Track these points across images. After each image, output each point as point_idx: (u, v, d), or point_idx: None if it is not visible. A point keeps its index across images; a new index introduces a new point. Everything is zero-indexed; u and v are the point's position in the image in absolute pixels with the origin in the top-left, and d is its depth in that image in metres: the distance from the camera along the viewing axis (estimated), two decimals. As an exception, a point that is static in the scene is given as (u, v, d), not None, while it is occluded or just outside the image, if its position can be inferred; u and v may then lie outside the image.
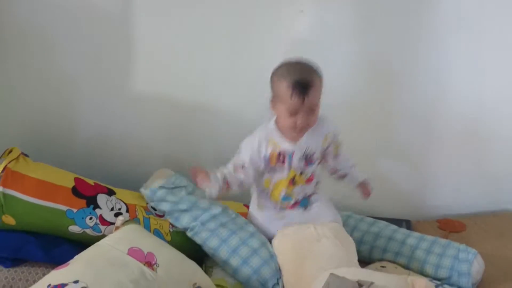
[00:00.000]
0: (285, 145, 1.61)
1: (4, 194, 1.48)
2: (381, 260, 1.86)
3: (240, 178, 1.62)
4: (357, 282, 1.38)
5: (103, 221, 1.60)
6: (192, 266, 1.53)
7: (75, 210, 1.57)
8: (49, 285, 1.29)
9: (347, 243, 1.67)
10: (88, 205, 1.59)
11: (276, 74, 1.56)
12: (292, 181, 1.68)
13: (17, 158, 1.55)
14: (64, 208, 1.56)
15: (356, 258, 1.66)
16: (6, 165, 1.50)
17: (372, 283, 1.37)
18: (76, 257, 1.41)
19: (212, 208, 1.73)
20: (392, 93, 2.11)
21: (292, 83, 1.50)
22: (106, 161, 2.01)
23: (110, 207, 1.63)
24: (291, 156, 1.63)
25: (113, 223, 1.61)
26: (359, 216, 2.02)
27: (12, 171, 1.51)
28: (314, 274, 1.52)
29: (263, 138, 1.61)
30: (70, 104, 1.95)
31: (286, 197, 1.70)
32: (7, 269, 1.47)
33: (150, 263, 1.43)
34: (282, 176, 1.66)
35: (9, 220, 1.50)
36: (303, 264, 1.59)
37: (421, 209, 2.29)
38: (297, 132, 1.58)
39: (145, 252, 1.46)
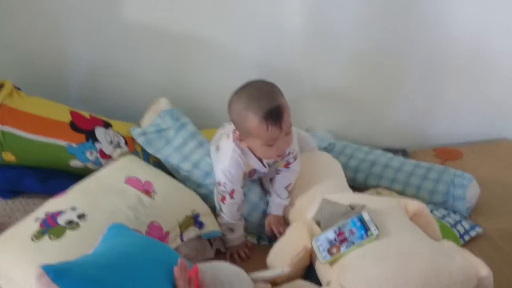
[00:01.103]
0: (258, 166, 1.56)
1: (3, 132, 1.51)
2: (376, 187, 1.90)
3: (237, 206, 1.58)
4: (349, 205, 1.42)
5: (103, 154, 1.64)
6: (190, 194, 1.58)
7: (75, 145, 1.60)
8: (47, 212, 1.34)
9: (334, 168, 1.70)
10: (87, 139, 1.62)
11: (239, 109, 1.40)
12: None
13: (11, 93, 1.55)
14: (64, 143, 1.58)
15: (345, 181, 1.70)
16: (2, 102, 1.50)
17: (364, 205, 1.41)
18: (73, 186, 1.46)
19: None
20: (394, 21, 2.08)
21: (265, 115, 1.36)
22: (100, 94, 2.01)
23: (109, 140, 1.66)
24: (261, 173, 1.62)
25: (114, 156, 1.65)
26: (356, 145, 2.04)
27: (9, 108, 1.52)
28: (302, 204, 1.57)
29: (241, 162, 1.52)
30: (62, 35, 1.92)
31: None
32: (5, 200, 1.52)
33: (147, 191, 1.47)
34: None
35: (9, 157, 1.53)
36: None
37: (418, 139, 2.31)
38: (277, 158, 1.53)
39: (143, 181, 1.50)
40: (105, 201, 1.39)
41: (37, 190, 1.54)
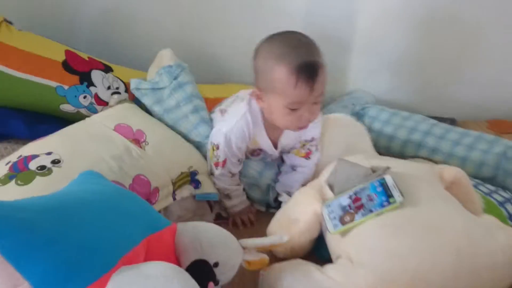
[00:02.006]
0: (266, 146, 1.34)
1: None
2: (414, 157, 1.64)
3: (230, 176, 1.35)
4: (370, 168, 1.18)
5: (99, 100, 1.46)
6: (188, 149, 1.38)
7: (66, 87, 1.42)
8: (20, 156, 1.17)
9: (358, 130, 1.46)
10: (81, 82, 1.44)
11: (269, 55, 1.17)
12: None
13: (-1, 25, 1.39)
14: (53, 84, 1.41)
15: (371, 145, 1.45)
16: (-14, 35, 1.34)
17: (387, 167, 1.16)
18: (59, 131, 1.28)
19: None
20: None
21: (297, 67, 1.13)
22: (111, 40, 1.85)
23: (107, 85, 1.47)
24: (267, 154, 1.38)
25: (111, 103, 1.47)
26: (393, 109, 1.77)
27: (-6, 42, 1.36)
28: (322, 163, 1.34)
29: (247, 133, 1.28)
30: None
31: None
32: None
33: (138, 140, 1.29)
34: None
35: (-7, 95, 1.37)
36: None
37: (470, 109, 2.00)
38: (297, 129, 1.27)
39: (134, 129, 1.32)
40: (86, 147, 1.21)
41: (24, 134, 1.38)
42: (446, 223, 1.03)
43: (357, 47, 1.92)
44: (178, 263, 0.96)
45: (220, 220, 1.37)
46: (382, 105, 1.84)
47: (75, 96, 1.43)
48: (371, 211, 1.08)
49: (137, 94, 1.47)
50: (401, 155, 1.65)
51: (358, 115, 1.76)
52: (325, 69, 1.18)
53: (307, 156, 1.35)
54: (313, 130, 1.32)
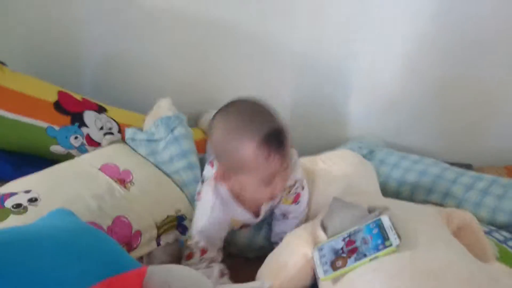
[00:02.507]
0: (248, 220, 1.22)
1: None
2: (425, 202, 1.53)
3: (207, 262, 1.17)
4: (368, 208, 1.09)
5: (91, 140, 1.41)
6: (177, 192, 1.31)
7: (57, 128, 1.39)
8: (1, 194, 1.12)
9: (364, 169, 1.37)
10: (72, 123, 1.40)
11: (227, 135, 1.03)
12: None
13: (-8, 66, 1.38)
14: (44, 124, 1.38)
15: (377, 185, 1.36)
16: (-23, 75, 1.33)
17: (386, 208, 1.07)
18: (44, 170, 1.24)
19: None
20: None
21: (263, 139, 1.00)
22: (114, 83, 1.82)
23: (99, 126, 1.44)
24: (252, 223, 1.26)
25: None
26: (403, 153, 1.68)
27: (-16, 82, 1.34)
28: (320, 203, 1.24)
29: (224, 222, 1.17)
30: (76, 18, 1.75)
31: None
32: None
33: (123, 180, 1.23)
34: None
35: (-19, 136, 1.34)
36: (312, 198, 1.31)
37: (486, 154, 1.89)
38: (270, 200, 1.17)
39: (121, 169, 1.26)
40: (67, 186, 1.16)
41: (9, 176, 1.31)
42: (447, 270, 0.92)
43: (360, 89, 1.85)
44: (146, 310, 0.88)
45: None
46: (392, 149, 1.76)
47: (66, 137, 1.39)
48: (365, 255, 0.98)
49: (132, 144, 1.42)
50: (411, 201, 1.54)
51: (365, 159, 1.67)
52: (289, 132, 1.06)
53: (295, 201, 1.22)
54: (291, 174, 1.17)
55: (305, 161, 1.39)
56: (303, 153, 1.38)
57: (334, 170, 1.34)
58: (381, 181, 1.56)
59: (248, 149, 1.01)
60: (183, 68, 1.82)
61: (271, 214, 1.28)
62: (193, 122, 1.73)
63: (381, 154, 1.69)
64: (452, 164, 1.68)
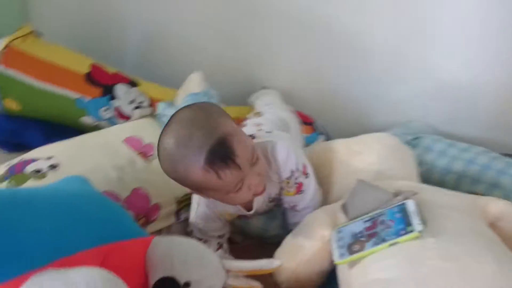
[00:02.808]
0: (240, 212, 1.13)
1: (4, 75, 1.33)
2: (470, 193, 1.41)
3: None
4: (394, 192, 1.00)
5: (120, 113, 1.41)
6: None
7: (87, 99, 1.39)
8: (21, 159, 1.13)
9: (401, 154, 1.27)
10: (103, 95, 1.40)
11: (172, 163, 0.95)
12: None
13: (25, 35, 1.39)
14: (75, 95, 1.38)
15: (414, 172, 1.26)
16: (8, 43, 1.34)
17: (414, 192, 0.98)
18: (68, 139, 1.24)
19: None
20: None
21: (207, 160, 0.91)
22: (155, 61, 1.81)
23: (130, 99, 1.42)
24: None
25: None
26: (450, 140, 1.57)
27: (15, 50, 1.35)
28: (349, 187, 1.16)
29: (211, 215, 1.11)
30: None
31: None
32: (9, 153, 1.33)
33: (145, 153, 1.20)
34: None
35: (12, 105, 1.36)
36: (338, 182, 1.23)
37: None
38: (257, 195, 1.03)
39: (144, 142, 1.24)
40: (88, 155, 1.16)
41: (40, 145, 1.33)
42: (471, 260, 0.83)
43: (410, 73, 1.75)
44: (147, 280, 0.85)
45: (231, 244, 1.23)
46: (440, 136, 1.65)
47: (96, 108, 1.39)
48: (384, 240, 0.91)
49: (162, 119, 1.40)
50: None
51: (410, 145, 1.57)
52: (235, 130, 0.95)
53: (299, 191, 1.11)
54: (284, 167, 1.07)
55: (337, 143, 1.32)
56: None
57: (366, 153, 1.26)
58: (425, 169, 1.46)
59: (196, 175, 0.93)
60: (221, 44, 1.78)
61: (280, 203, 1.19)
62: (231, 99, 1.69)
63: (427, 140, 1.58)
64: (506, 155, 1.55)
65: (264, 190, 1.01)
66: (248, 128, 1.20)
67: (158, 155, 0.97)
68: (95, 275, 0.65)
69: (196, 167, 0.91)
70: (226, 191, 0.96)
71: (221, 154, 0.91)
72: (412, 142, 1.59)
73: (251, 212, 1.11)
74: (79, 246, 0.75)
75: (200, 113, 0.95)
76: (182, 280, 0.83)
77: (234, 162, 0.92)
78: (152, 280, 0.83)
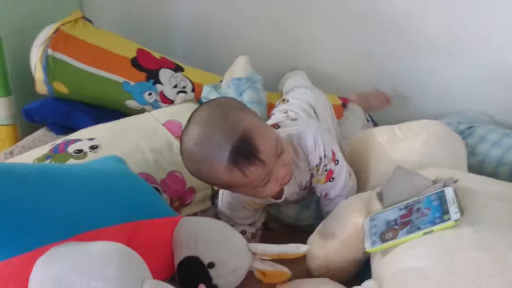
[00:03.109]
0: (268, 201, 1.10)
1: (54, 58, 1.37)
2: (525, 186, 1.33)
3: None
4: (434, 179, 0.96)
5: (164, 98, 1.42)
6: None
7: (132, 83, 1.41)
8: (65, 139, 1.17)
9: (450, 143, 1.21)
10: (148, 79, 1.42)
11: (197, 164, 0.94)
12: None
13: (75, 21, 1.43)
14: (120, 79, 1.41)
15: (464, 161, 1.20)
16: (59, 27, 1.39)
17: (453, 179, 0.93)
18: (111, 122, 1.27)
19: None
20: None
21: (231, 160, 0.89)
22: (203, 48, 1.83)
23: (174, 84, 1.44)
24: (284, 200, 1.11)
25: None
26: (506, 130, 1.48)
27: (65, 34, 1.39)
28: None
29: (236, 205, 1.09)
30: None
31: None
32: (57, 136, 1.38)
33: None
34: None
35: (61, 87, 1.41)
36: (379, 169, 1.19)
37: None
38: (283, 185, 1.01)
39: (183, 127, 1.23)
40: (128, 138, 1.18)
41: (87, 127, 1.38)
42: (509, 254, 0.77)
43: (466, 58, 1.66)
44: (173, 258, 0.86)
45: (267, 231, 1.22)
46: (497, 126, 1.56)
47: (140, 92, 1.41)
48: (419, 228, 0.87)
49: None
50: (509, 184, 1.36)
51: (463, 135, 1.50)
52: (257, 124, 0.93)
53: (329, 178, 1.08)
54: (312, 154, 1.04)
55: (381, 129, 1.27)
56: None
57: (412, 141, 1.21)
58: (478, 159, 1.40)
59: (220, 174, 0.91)
60: (266, 32, 1.76)
61: (312, 191, 1.16)
62: (274, 85, 1.68)
63: (483, 130, 1.50)
64: None
65: (291, 178, 0.99)
66: (276, 115, 1.19)
67: (181, 155, 0.96)
68: (112, 248, 0.65)
69: (220, 167, 0.90)
70: (252, 187, 0.95)
71: (244, 151, 0.89)
72: (466, 132, 1.52)
73: (280, 201, 1.08)
74: (104, 222, 0.77)
75: (219, 110, 0.93)
76: (206, 260, 0.83)
77: (258, 159, 0.90)
78: (177, 259, 0.84)
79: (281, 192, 1.06)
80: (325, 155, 1.04)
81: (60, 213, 0.72)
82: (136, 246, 0.78)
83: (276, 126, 1.08)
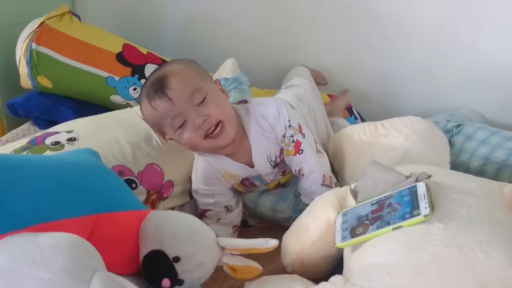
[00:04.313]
0: (242, 170, 1.14)
1: (38, 52, 1.37)
2: (512, 184, 1.31)
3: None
4: (409, 174, 0.94)
5: (149, 93, 1.41)
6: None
7: (117, 78, 1.41)
8: (44, 132, 1.17)
9: (432, 139, 1.19)
10: (132, 74, 1.42)
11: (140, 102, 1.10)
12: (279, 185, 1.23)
13: (61, 15, 1.43)
14: (104, 74, 1.41)
15: (446, 158, 1.18)
16: (43, 21, 1.39)
17: (426, 174, 0.92)
18: (92, 116, 1.26)
19: None
20: None
21: (145, 92, 1.05)
22: (194, 46, 1.82)
23: (159, 79, 1.42)
24: (258, 177, 1.17)
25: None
26: (494, 128, 1.46)
27: (49, 28, 1.39)
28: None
29: (210, 172, 1.14)
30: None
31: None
32: (41, 130, 1.37)
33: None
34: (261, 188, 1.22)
35: (45, 82, 1.41)
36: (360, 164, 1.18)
37: None
38: (213, 139, 1.06)
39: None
40: (107, 131, 1.17)
41: (71, 121, 1.37)
42: (477, 251, 0.76)
43: (458, 56, 1.64)
44: (138, 251, 0.85)
45: (246, 228, 1.21)
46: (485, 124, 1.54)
47: (125, 87, 1.41)
48: (388, 223, 0.85)
49: None
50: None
51: (452, 133, 1.48)
52: (182, 71, 1.05)
53: (298, 150, 1.12)
54: (275, 123, 1.10)
55: (364, 126, 1.26)
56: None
57: (393, 137, 1.20)
58: (465, 158, 1.39)
59: (142, 108, 1.08)
60: (259, 28, 1.75)
61: (295, 181, 1.19)
62: (268, 82, 1.67)
63: (470, 128, 1.48)
64: None
65: (221, 133, 1.05)
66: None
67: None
68: (63, 239, 0.64)
69: (142, 102, 1.06)
70: (170, 126, 1.04)
71: (156, 86, 1.02)
72: (455, 130, 1.50)
73: (255, 169, 1.12)
74: (65, 213, 0.76)
75: (167, 62, 1.10)
76: (171, 254, 0.82)
77: (164, 94, 1.01)
78: (142, 252, 0.83)
79: (250, 161, 1.12)
80: (290, 125, 1.09)
81: (17, 202, 0.71)
82: (99, 238, 0.78)
83: (244, 101, 1.15)
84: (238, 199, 1.19)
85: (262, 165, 1.13)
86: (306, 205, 1.06)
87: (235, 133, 1.07)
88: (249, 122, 1.10)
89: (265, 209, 1.20)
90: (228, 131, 1.05)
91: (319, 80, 1.69)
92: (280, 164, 1.16)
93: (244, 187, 1.19)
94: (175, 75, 1.02)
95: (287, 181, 1.22)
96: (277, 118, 1.09)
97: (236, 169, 1.13)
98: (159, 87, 1.02)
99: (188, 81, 1.03)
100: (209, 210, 1.14)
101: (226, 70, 1.50)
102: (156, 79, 1.03)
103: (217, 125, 1.04)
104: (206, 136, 1.04)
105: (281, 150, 1.13)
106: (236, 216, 1.16)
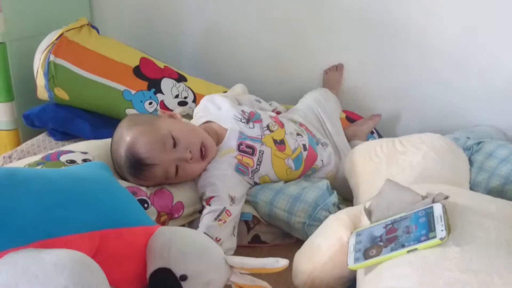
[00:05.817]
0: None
1: (55, 64, 1.38)
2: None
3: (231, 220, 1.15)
4: (425, 195, 0.91)
5: (164, 107, 1.42)
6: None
7: (133, 92, 1.41)
8: (58, 150, 1.17)
9: (452, 157, 1.16)
10: (149, 88, 1.41)
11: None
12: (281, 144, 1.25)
13: (79, 27, 1.44)
14: (121, 88, 1.41)
15: (466, 177, 1.15)
16: (62, 33, 1.39)
17: (444, 195, 0.89)
18: (105, 139, 1.26)
19: None
20: None
21: (131, 175, 1.12)
22: (211, 59, 1.83)
23: (175, 93, 1.43)
24: (246, 137, 1.22)
25: (176, 112, 1.42)
26: (519, 146, 1.42)
27: (68, 40, 1.40)
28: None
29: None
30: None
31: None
32: (56, 142, 1.38)
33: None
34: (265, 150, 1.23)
35: (61, 94, 1.41)
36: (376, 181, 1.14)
37: None
38: (207, 157, 1.16)
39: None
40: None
41: (87, 135, 1.38)
42: (494, 277, 0.72)
43: (478, 72, 1.61)
44: (145, 268, 0.83)
45: (257, 243, 1.19)
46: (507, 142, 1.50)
47: (141, 101, 1.41)
48: (403, 246, 0.82)
49: None
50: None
51: (472, 150, 1.44)
52: (138, 134, 1.08)
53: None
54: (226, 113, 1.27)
55: (381, 142, 1.23)
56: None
57: (411, 154, 1.16)
58: (485, 177, 1.35)
59: (137, 183, 1.12)
60: (276, 42, 1.75)
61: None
62: (285, 98, 1.66)
63: (491, 146, 1.44)
64: None
65: (208, 152, 1.14)
66: None
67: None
68: (65, 256, 0.63)
69: (131, 181, 1.11)
70: (170, 176, 1.11)
71: (133, 167, 1.08)
72: (475, 147, 1.46)
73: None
74: (71, 228, 0.75)
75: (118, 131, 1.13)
76: (178, 272, 0.80)
77: (145, 165, 1.07)
78: (149, 269, 0.82)
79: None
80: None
81: (23, 217, 0.71)
82: (105, 255, 0.77)
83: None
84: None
85: (233, 124, 1.21)
86: (323, 215, 1.11)
87: (216, 137, 1.18)
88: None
89: (280, 211, 1.18)
90: (211, 144, 1.15)
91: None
92: (252, 118, 1.23)
93: (245, 155, 1.19)
94: (136, 141, 1.06)
95: (283, 138, 1.25)
96: (228, 110, 1.26)
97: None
98: (135, 166, 1.07)
99: (151, 138, 1.07)
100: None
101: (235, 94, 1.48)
102: (126, 160, 1.08)
103: (201, 147, 1.12)
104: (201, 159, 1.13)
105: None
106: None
